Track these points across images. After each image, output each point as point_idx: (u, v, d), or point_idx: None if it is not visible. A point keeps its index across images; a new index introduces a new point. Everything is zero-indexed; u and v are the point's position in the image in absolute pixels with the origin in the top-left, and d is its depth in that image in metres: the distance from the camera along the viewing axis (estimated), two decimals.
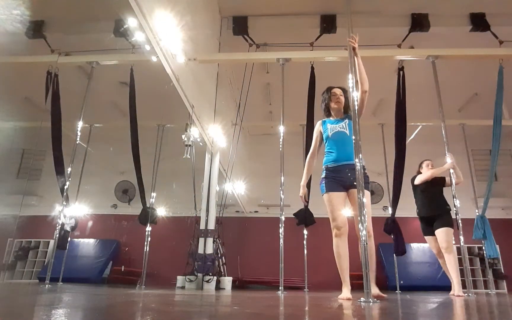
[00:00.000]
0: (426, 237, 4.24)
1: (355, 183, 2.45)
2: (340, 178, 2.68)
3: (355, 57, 2.83)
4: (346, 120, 2.78)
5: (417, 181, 4.31)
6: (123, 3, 3.21)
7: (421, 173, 4.32)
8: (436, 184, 4.28)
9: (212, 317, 1.21)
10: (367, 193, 2.60)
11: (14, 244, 7.73)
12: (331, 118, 2.91)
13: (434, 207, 4.16)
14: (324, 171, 2.79)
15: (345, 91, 2.88)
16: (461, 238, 4.05)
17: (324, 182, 2.75)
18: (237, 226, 8.71)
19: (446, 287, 6.76)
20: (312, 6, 5.64)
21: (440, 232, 4.02)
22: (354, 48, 2.84)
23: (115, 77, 5.80)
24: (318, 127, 2.96)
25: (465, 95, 7.41)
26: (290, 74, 5.06)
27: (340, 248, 2.60)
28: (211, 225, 5.41)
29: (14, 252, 7.67)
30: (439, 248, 4.05)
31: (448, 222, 4.04)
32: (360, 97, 2.71)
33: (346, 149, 2.68)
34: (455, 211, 4.12)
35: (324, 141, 2.87)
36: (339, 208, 2.65)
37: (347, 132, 2.74)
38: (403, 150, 4.80)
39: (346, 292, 2.51)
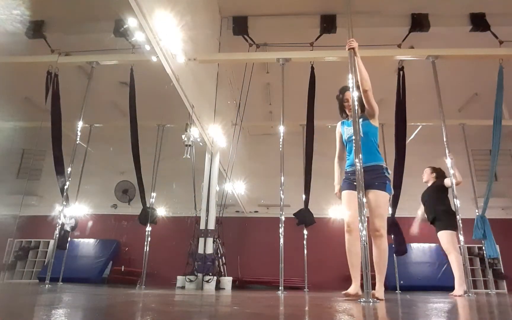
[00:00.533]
0: None
1: (369, 184, 2.54)
2: (351, 180, 2.73)
3: (355, 57, 2.83)
4: (361, 121, 2.76)
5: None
6: (123, 3, 3.21)
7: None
8: (432, 190, 4.46)
9: (212, 317, 1.21)
10: (382, 193, 2.62)
11: (14, 244, 7.73)
12: (348, 120, 2.92)
13: (430, 212, 4.41)
14: (345, 175, 2.87)
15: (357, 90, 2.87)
16: (461, 238, 4.06)
17: (342, 183, 2.84)
18: (237, 226, 8.71)
19: (446, 288, 6.78)
20: (312, 6, 5.63)
21: (439, 236, 4.21)
22: (353, 48, 2.84)
23: (115, 77, 5.80)
24: (338, 128, 3.01)
25: (465, 95, 7.41)
26: (290, 74, 5.06)
27: (351, 245, 2.62)
28: (211, 225, 5.41)
29: (14, 252, 7.67)
30: None
31: (443, 225, 4.16)
32: (363, 96, 2.70)
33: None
34: (455, 211, 4.14)
35: (344, 144, 2.95)
36: (350, 206, 2.67)
37: (361, 133, 2.73)
38: (403, 150, 4.81)
39: (353, 287, 2.50)
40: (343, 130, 2.92)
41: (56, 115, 4.73)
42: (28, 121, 5.85)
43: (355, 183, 2.55)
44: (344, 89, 2.91)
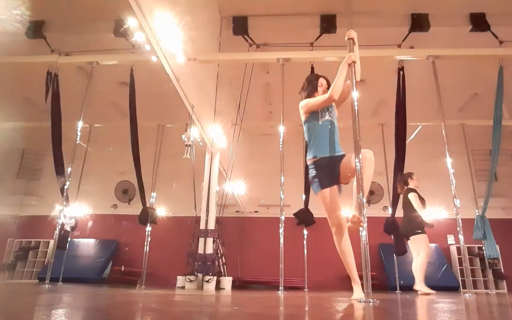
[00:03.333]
0: None
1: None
2: (331, 172, 2.48)
3: (353, 46, 2.76)
4: (331, 109, 2.66)
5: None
6: (123, 3, 3.21)
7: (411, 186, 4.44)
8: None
9: (212, 317, 1.20)
10: None
11: (14, 244, 7.72)
12: None
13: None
14: (313, 165, 2.52)
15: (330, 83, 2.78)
16: (461, 238, 4.06)
17: (320, 177, 2.48)
18: (237, 226, 8.70)
19: (446, 287, 6.79)
20: (312, 6, 5.63)
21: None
22: (352, 39, 2.77)
23: (115, 77, 5.80)
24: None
25: (465, 95, 7.40)
26: (290, 74, 5.06)
27: (342, 244, 2.47)
28: (211, 225, 5.41)
29: (14, 252, 7.66)
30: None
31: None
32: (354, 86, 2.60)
33: (336, 140, 2.57)
34: (455, 211, 4.15)
35: (309, 129, 2.64)
36: (338, 205, 2.57)
37: (335, 121, 2.65)
38: (403, 150, 4.81)
39: (358, 292, 2.38)
40: (320, 111, 2.62)
41: (56, 115, 4.73)
42: (28, 121, 5.84)
43: (331, 177, 2.43)
44: (318, 76, 2.85)
